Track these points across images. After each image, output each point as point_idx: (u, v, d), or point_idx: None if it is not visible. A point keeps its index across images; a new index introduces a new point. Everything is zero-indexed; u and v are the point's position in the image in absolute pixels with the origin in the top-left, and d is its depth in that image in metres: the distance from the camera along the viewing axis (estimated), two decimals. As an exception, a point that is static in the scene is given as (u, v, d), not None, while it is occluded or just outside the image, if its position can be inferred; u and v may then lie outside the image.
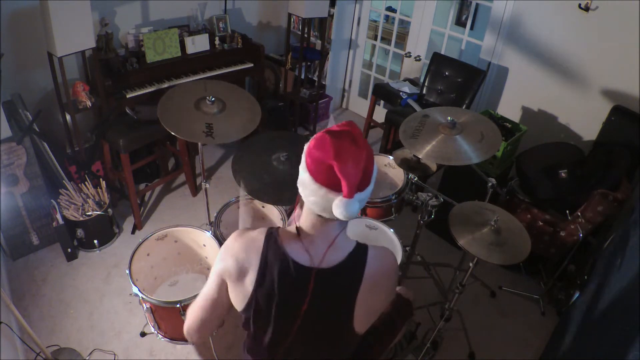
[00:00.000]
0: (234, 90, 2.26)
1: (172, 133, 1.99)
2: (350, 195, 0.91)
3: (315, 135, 0.97)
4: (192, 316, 1.13)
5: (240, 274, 1.03)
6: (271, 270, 1.01)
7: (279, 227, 1.08)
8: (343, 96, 4.79)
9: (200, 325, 1.13)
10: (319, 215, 0.99)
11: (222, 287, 1.07)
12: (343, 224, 1.04)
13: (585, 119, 3.03)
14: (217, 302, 1.09)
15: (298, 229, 1.04)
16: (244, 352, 1.22)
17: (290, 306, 1.03)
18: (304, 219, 1.04)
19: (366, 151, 0.94)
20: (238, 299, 1.06)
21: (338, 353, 1.13)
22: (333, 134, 0.94)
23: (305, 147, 0.98)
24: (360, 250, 1.05)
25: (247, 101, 2.24)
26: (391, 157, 2.44)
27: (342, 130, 0.95)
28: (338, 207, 0.92)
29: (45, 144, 2.72)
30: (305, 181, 0.97)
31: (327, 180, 0.93)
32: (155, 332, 1.94)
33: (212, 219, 2.25)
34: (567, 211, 2.53)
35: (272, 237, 1.04)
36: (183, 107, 2.09)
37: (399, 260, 1.98)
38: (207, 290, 1.10)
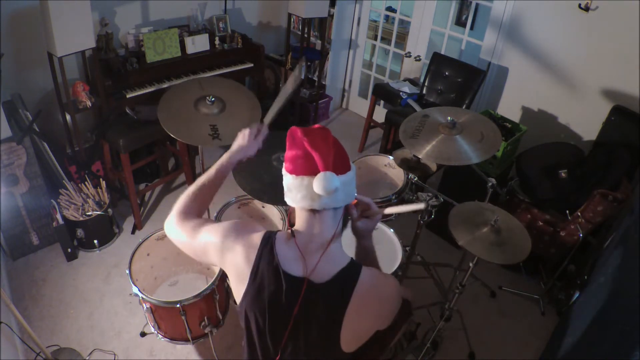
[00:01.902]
0: (229, 85, 2.26)
1: (181, 140, 1.99)
2: (326, 168, 0.98)
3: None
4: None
5: (226, 255, 1.07)
6: (262, 279, 1.02)
7: (278, 231, 1.08)
8: (343, 96, 4.79)
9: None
10: (311, 210, 1.02)
11: (206, 243, 1.13)
12: (336, 218, 1.05)
13: (585, 119, 3.03)
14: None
15: (293, 231, 1.06)
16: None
17: (280, 314, 1.03)
18: (298, 222, 1.06)
19: (332, 136, 1.03)
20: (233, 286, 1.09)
21: None
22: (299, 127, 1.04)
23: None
24: (353, 270, 1.04)
25: (245, 96, 2.24)
26: (391, 157, 2.44)
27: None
28: (317, 182, 0.98)
29: (45, 144, 2.72)
30: (289, 184, 1.03)
31: (306, 169, 1.00)
32: (155, 332, 1.95)
33: (212, 219, 2.25)
34: (567, 211, 2.53)
35: (269, 243, 1.04)
36: (184, 112, 2.08)
37: (398, 260, 1.98)
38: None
